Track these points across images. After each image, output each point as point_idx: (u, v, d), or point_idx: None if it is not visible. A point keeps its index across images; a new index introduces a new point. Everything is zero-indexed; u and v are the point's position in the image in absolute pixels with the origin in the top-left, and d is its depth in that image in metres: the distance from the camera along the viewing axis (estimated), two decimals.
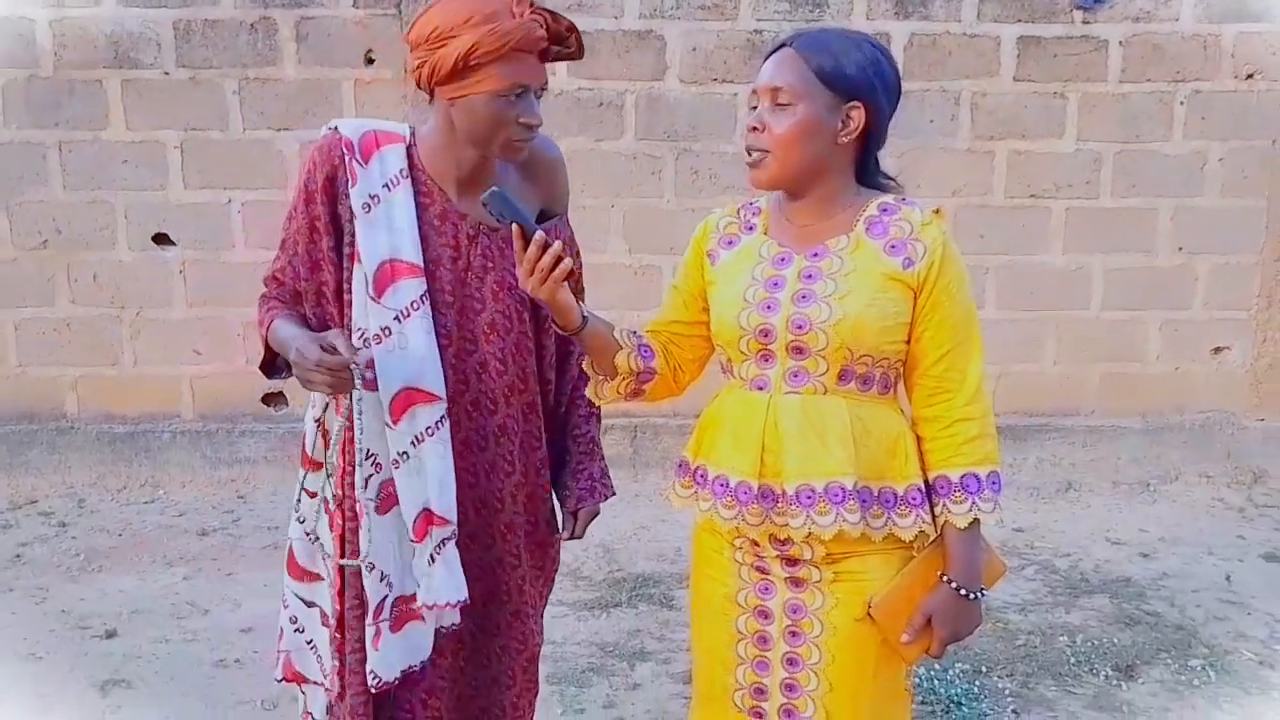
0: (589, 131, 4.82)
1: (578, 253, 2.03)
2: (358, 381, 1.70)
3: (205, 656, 3.34)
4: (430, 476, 1.81)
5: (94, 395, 4.94)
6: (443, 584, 1.82)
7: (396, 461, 1.81)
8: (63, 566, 4.07)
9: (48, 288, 4.84)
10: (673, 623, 3.53)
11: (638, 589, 3.82)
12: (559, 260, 1.61)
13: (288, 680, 2.02)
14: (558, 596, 3.69)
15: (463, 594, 1.84)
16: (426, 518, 1.82)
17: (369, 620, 1.82)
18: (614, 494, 2.14)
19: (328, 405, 1.87)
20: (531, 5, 1.72)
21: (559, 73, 4.74)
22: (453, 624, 1.88)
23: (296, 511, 1.96)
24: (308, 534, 1.92)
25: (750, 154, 1.70)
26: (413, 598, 1.84)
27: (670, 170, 4.88)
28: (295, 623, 1.98)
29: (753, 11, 4.78)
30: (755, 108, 1.69)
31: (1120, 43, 4.87)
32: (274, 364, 1.93)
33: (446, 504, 1.82)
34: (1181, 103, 4.93)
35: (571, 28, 1.77)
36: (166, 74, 4.72)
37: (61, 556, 4.16)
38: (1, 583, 3.90)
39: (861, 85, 1.65)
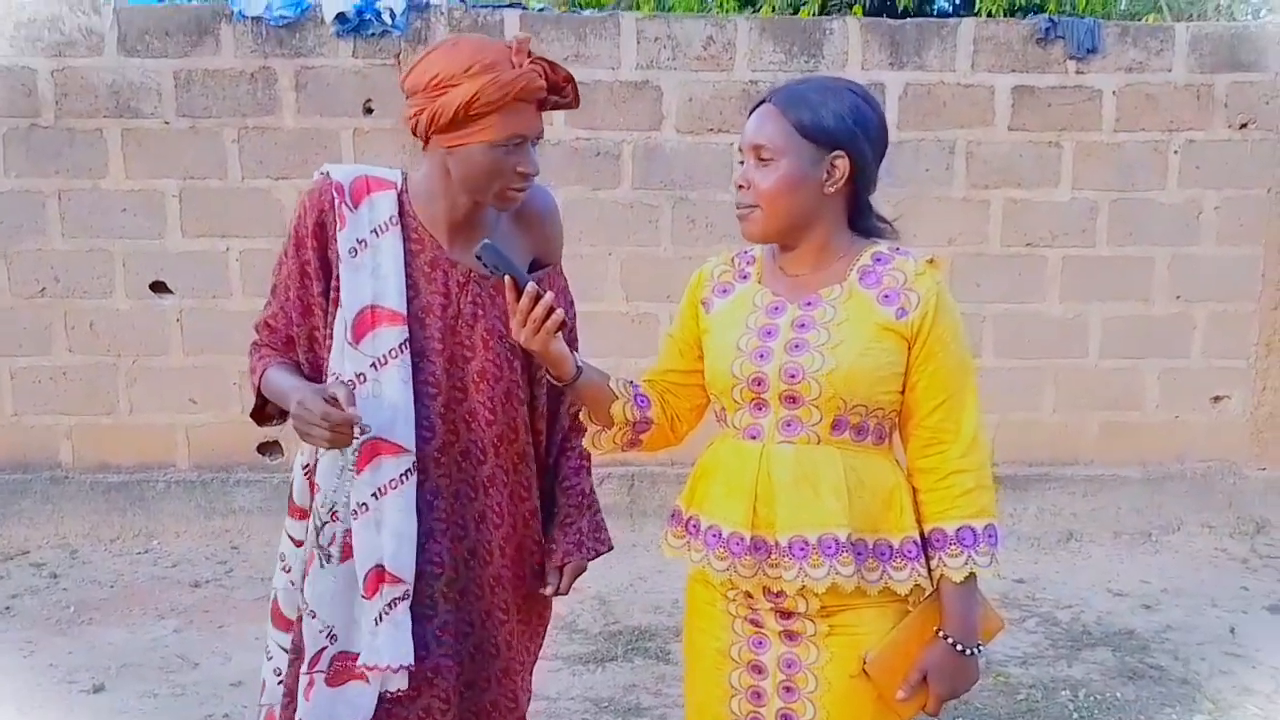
0: (586, 180, 4.84)
1: (571, 303, 2.02)
2: (358, 437, 1.68)
3: (193, 712, 3.28)
4: (387, 531, 1.76)
5: (89, 444, 4.91)
6: (386, 645, 1.76)
7: (356, 511, 1.76)
8: (52, 619, 4.02)
9: (45, 336, 4.84)
10: (669, 677, 3.48)
11: (634, 642, 3.77)
12: (551, 311, 1.61)
13: None
14: (551, 650, 3.66)
15: (407, 658, 1.76)
16: (378, 574, 1.76)
17: (303, 669, 1.78)
18: (608, 549, 2.06)
19: (318, 454, 1.84)
20: (530, 55, 1.72)
21: (556, 122, 4.77)
22: (398, 689, 1.79)
23: (282, 561, 1.93)
24: (293, 583, 1.89)
25: (740, 209, 1.70)
26: (356, 656, 1.79)
27: (667, 219, 4.90)
28: (278, 675, 1.94)
29: (748, 63, 4.82)
30: (743, 162, 1.70)
31: (1114, 92, 4.91)
32: (265, 412, 1.91)
33: (402, 562, 1.77)
34: (1176, 151, 4.96)
35: (569, 78, 1.77)
36: (166, 123, 4.75)
37: (51, 609, 4.11)
38: None
39: (842, 134, 1.65)
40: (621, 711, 3.29)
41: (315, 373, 1.85)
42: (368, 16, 4.76)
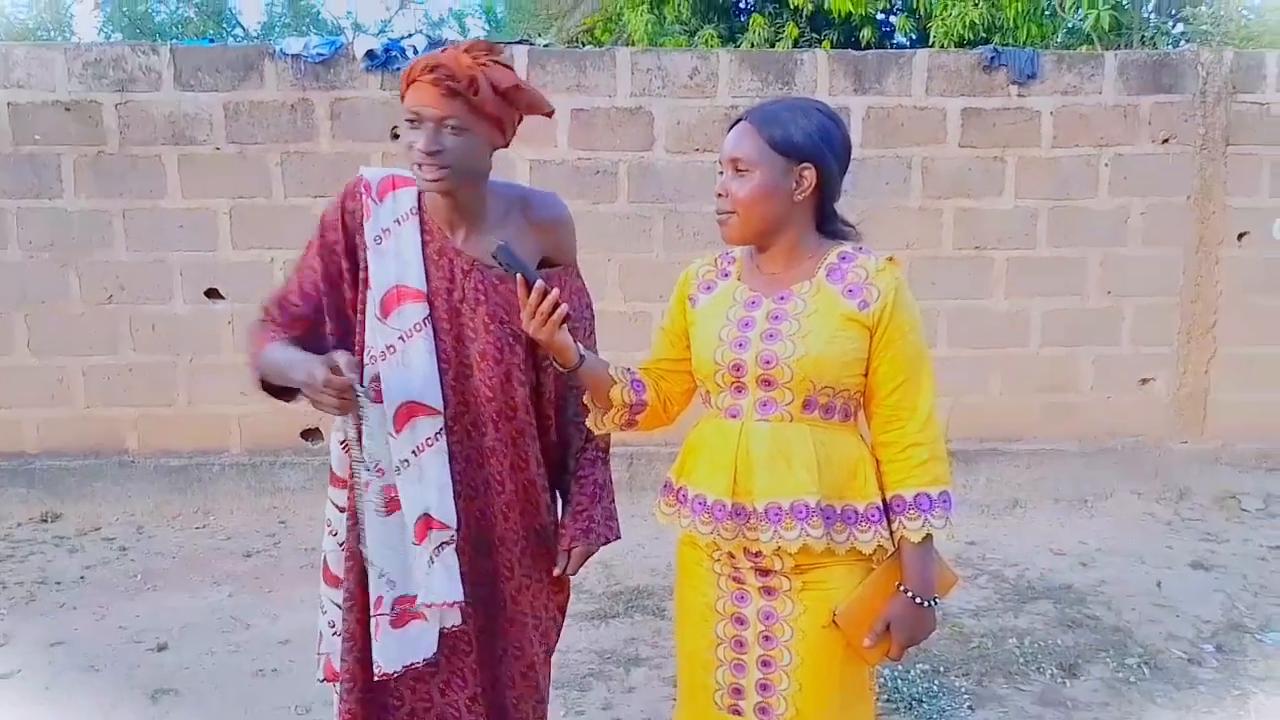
0: (587, 196, 4.81)
1: (589, 304, 1.98)
2: (364, 401, 1.65)
3: (246, 666, 3.27)
4: (430, 483, 1.77)
5: (152, 433, 4.89)
6: (440, 584, 1.76)
7: (399, 468, 1.77)
8: (122, 586, 4.00)
9: (112, 338, 4.82)
10: (665, 631, 3.46)
11: (634, 601, 3.76)
12: (556, 306, 1.61)
13: (328, 680, 1.96)
14: None
15: (458, 594, 1.77)
16: (426, 521, 1.77)
17: (372, 612, 1.78)
18: (616, 538, 1.95)
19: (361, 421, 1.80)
20: (459, 50, 1.71)
21: (560, 144, 4.76)
22: (454, 624, 1.81)
23: (329, 526, 1.93)
24: (341, 545, 1.88)
25: (720, 215, 1.69)
26: (414, 599, 1.79)
27: (659, 229, 4.88)
28: (333, 627, 1.93)
29: (729, 90, 4.79)
30: (722, 173, 1.69)
31: (1051, 113, 4.89)
32: (268, 387, 1.86)
33: (445, 509, 1.78)
34: (1106, 164, 4.93)
35: (470, 70, 1.67)
36: (217, 149, 4.72)
37: (121, 577, 4.10)
38: (67, 601, 3.84)
39: (809, 149, 1.64)
40: (623, 661, 3.28)
41: (344, 338, 1.82)
42: (394, 53, 4.74)
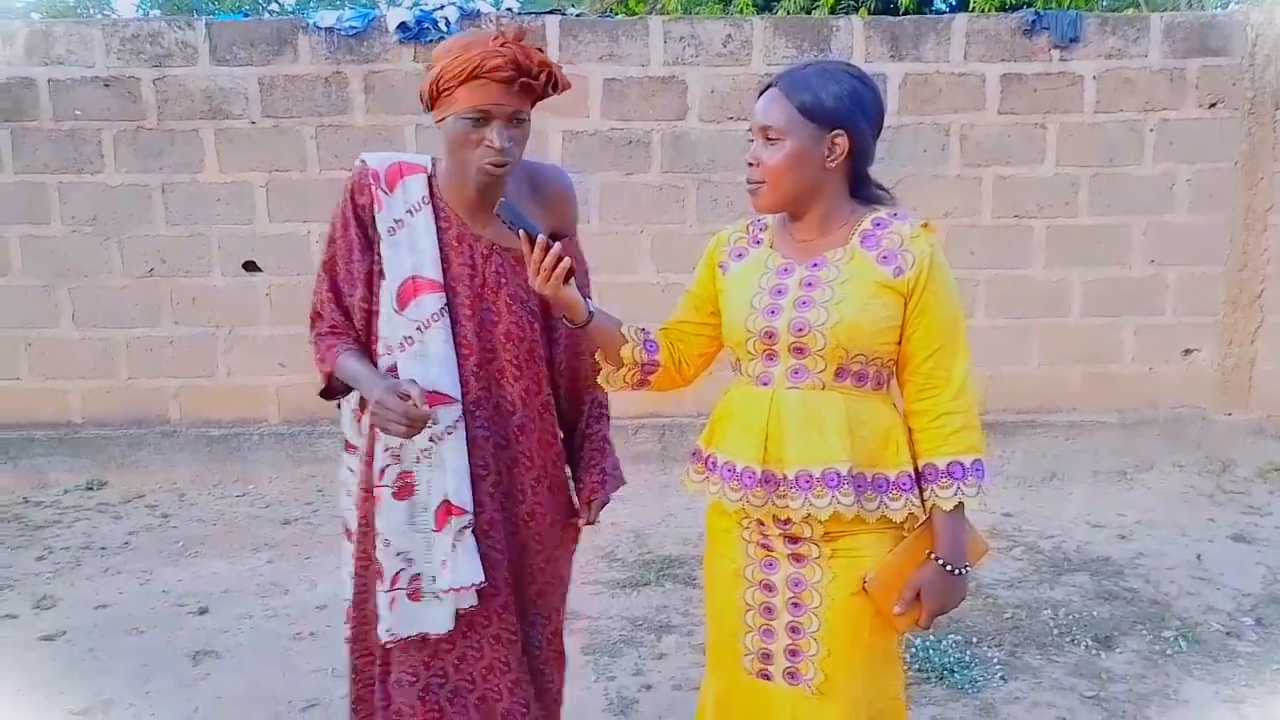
0: (620, 166, 4.79)
1: (586, 270, 2.01)
2: (431, 429, 1.70)
3: (284, 630, 3.33)
4: (449, 471, 1.77)
5: (193, 403, 4.97)
6: (463, 569, 1.77)
7: (418, 457, 1.78)
8: (165, 552, 4.09)
9: (153, 310, 4.89)
10: (696, 599, 3.47)
11: (665, 569, 3.78)
12: (559, 260, 1.61)
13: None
14: (594, 576, 3.68)
15: (479, 577, 1.79)
16: (446, 508, 1.78)
17: (385, 587, 1.80)
18: (624, 483, 2.08)
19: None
20: (504, 39, 1.67)
21: (593, 115, 4.73)
22: (470, 605, 1.82)
23: (347, 489, 1.96)
24: (353, 506, 1.93)
25: (750, 185, 1.67)
26: (428, 580, 1.81)
27: (692, 199, 4.85)
28: (351, 575, 1.97)
29: (764, 58, 4.74)
30: (752, 141, 1.66)
31: (1094, 77, 4.78)
32: (333, 389, 1.90)
33: (464, 496, 1.78)
34: (1151, 130, 4.82)
35: (544, 63, 1.70)
36: (253, 123, 4.76)
37: (164, 544, 4.18)
38: (112, 566, 3.93)
39: (841, 114, 1.60)
40: (654, 628, 3.29)
41: (369, 340, 1.85)
42: (426, 25, 4.73)
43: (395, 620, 1.80)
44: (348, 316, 1.85)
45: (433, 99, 1.70)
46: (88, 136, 4.73)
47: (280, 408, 4.97)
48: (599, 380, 1.86)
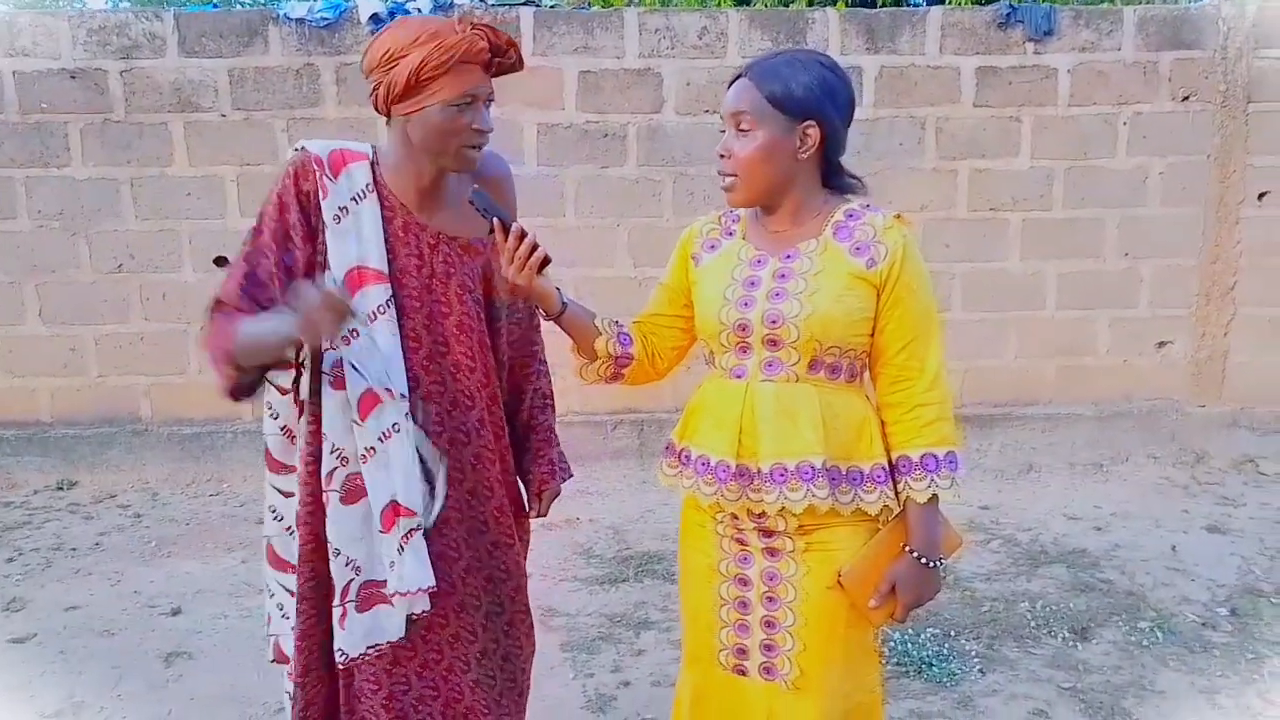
0: (596, 160, 4.77)
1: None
2: (358, 316, 1.62)
3: (258, 631, 3.27)
4: (395, 470, 1.71)
5: (165, 401, 4.91)
6: (410, 572, 1.72)
7: (364, 456, 1.71)
8: (137, 552, 4.03)
9: (123, 306, 4.83)
10: (674, 596, 3.45)
11: (643, 565, 3.77)
12: (534, 249, 1.59)
13: (277, 662, 1.92)
14: (572, 573, 3.67)
15: (429, 580, 1.73)
16: (394, 509, 1.72)
17: (335, 602, 1.74)
18: (571, 475, 2.06)
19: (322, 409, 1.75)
20: (472, 23, 1.65)
21: (568, 107, 4.71)
22: (423, 610, 1.76)
23: (273, 512, 1.87)
24: (287, 529, 1.84)
25: (724, 178, 1.66)
26: (382, 583, 1.75)
27: (669, 192, 4.83)
28: (282, 609, 1.89)
29: (739, 50, 4.72)
30: (724, 132, 1.65)
31: (1068, 71, 4.80)
32: (239, 385, 1.76)
33: (412, 496, 1.72)
34: (1125, 123, 4.85)
35: (511, 42, 1.70)
36: (223, 116, 4.70)
37: (136, 544, 4.13)
38: (83, 568, 3.87)
39: (812, 104, 1.59)
40: (633, 625, 3.29)
41: None
42: (398, 16, 4.68)
43: (344, 638, 1.74)
44: (257, 307, 1.70)
45: (406, 90, 1.63)
46: (54, 129, 4.66)
47: (254, 405, 4.90)
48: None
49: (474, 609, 1.85)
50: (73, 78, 4.63)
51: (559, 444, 2.06)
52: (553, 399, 2.05)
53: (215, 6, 5.03)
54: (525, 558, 2.02)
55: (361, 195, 1.73)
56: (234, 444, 4.88)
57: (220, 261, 4.78)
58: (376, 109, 1.71)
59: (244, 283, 1.71)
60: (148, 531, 4.27)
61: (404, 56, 1.62)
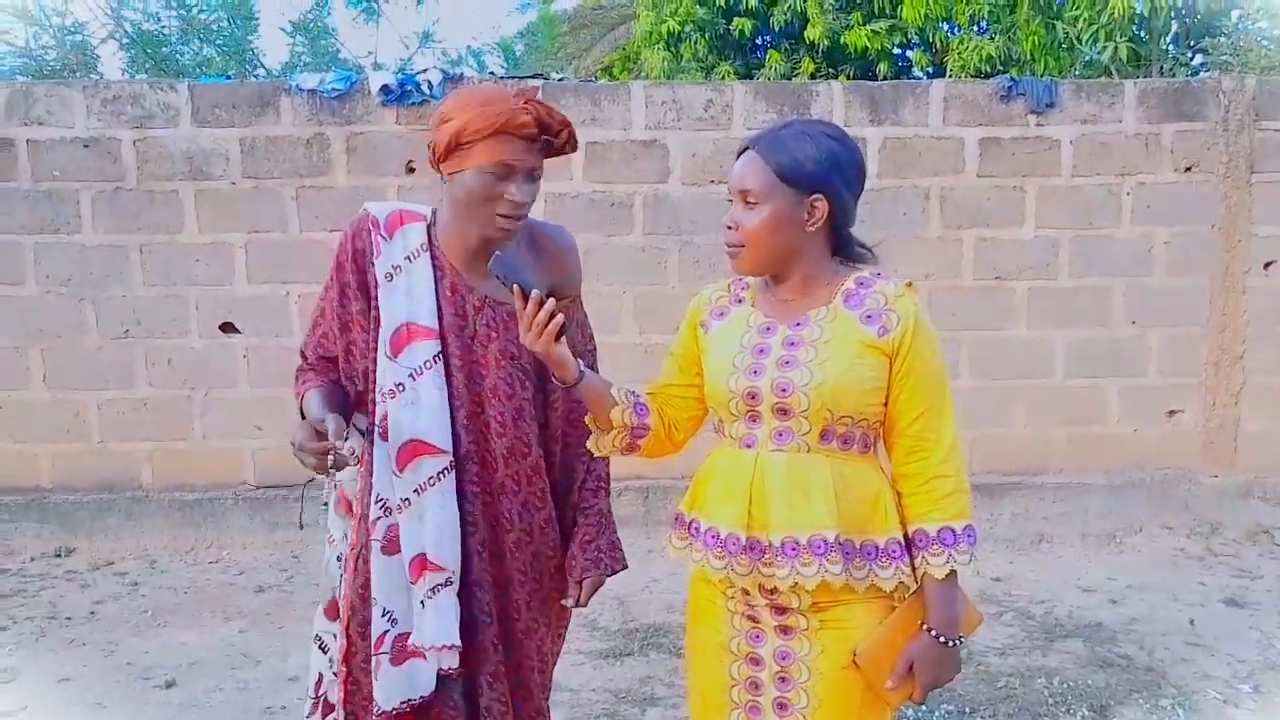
0: (603, 228, 4.79)
1: (591, 335, 1.99)
2: (341, 464, 1.66)
3: (255, 704, 3.21)
4: (428, 524, 1.73)
5: (167, 467, 4.87)
6: (430, 626, 1.72)
7: (399, 506, 1.74)
8: (132, 622, 3.96)
9: (128, 371, 4.81)
10: (681, 670, 3.37)
11: (649, 638, 3.68)
12: (552, 316, 1.57)
13: (323, 715, 1.94)
14: (575, 646, 3.58)
15: (451, 638, 1.73)
16: (421, 562, 1.73)
17: (373, 651, 1.75)
18: (623, 567, 1.95)
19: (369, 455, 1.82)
20: (527, 98, 1.68)
21: (575, 177, 4.75)
22: (450, 667, 1.76)
23: (340, 559, 1.91)
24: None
25: (729, 248, 1.64)
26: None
27: (674, 260, 4.85)
28: (332, 665, 1.89)
29: (744, 121, 4.78)
30: (731, 203, 1.64)
31: (1071, 142, 4.84)
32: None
33: (442, 551, 1.73)
34: (1128, 193, 4.87)
35: (565, 122, 1.73)
36: (233, 184, 4.74)
37: (131, 613, 4.05)
38: (76, 637, 3.79)
39: (819, 177, 1.58)
40: (638, 701, 3.19)
41: (351, 381, 1.84)
42: (409, 88, 4.76)
43: (379, 690, 1.74)
44: (327, 361, 1.86)
45: (447, 151, 1.68)
46: (66, 196, 4.70)
47: (256, 471, 4.88)
48: (588, 445, 1.79)
49: (491, 657, 1.81)
50: (86, 146, 4.68)
51: (613, 531, 1.96)
52: (608, 482, 1.96)
53: (229, 78, 5.11)
54: (560, 640, 1.98)
55: (415, 254, 1.79)
56: (234, 510, 4.83)
57: (227, 327, 4.78)
58: (432, 166, 1.77)
59: (316, 339, 1.88)
60: (144, 600, 4.20)
61: (453, 119, 1.68)
